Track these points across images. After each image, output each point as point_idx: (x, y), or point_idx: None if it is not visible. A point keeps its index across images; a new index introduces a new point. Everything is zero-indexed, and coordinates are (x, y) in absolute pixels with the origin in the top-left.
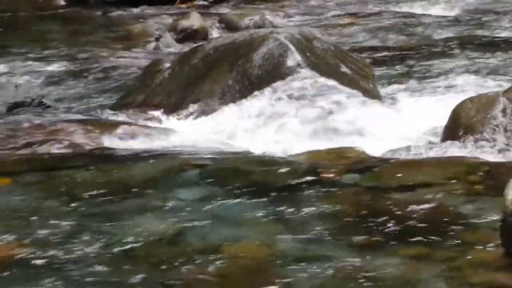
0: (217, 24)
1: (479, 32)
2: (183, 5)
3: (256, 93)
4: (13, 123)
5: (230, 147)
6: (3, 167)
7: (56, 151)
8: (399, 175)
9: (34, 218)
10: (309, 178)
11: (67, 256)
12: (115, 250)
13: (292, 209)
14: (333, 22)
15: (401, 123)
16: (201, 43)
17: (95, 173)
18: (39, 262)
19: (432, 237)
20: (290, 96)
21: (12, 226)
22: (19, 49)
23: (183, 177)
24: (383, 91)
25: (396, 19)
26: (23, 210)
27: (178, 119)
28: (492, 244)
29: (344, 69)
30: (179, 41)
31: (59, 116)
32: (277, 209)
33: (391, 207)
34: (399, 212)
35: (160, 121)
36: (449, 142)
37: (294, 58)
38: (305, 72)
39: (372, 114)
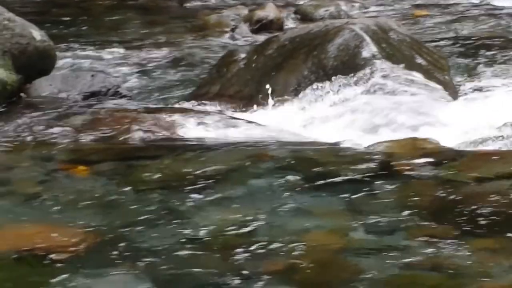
0: (293, 15)
1: None
2: None
3: (331, 83)
4: (89, 113)
5: (304, 137)
6: (79, 155)
7: (131, 140)
8: (474, 167)
9: (110, 206)
10: (383, 168)
11: (141, 245)
12: (190, 239)
13: (365, 200)
14: (408, 12)
15: (476, 115)
16: (276, 33)
17: (170, 163)
18: (113, 249)
19: (507, 230)
20: (365, 87)
21: (88, 214)
22: (95, 38)
23: (257, 168)
24: (458, 82)
25: (472, 10)
26: (99, 199)
27: (253, 109)
28: None
29: (419, 60)
30: (255, 31)
31: (134, 106)
32: (351, 199)
33: (466, 198)
34: (474, 204)
35: (235, 111)
36: None
37: (369, 49)
38: (381, 63)
39: (446, 106)
